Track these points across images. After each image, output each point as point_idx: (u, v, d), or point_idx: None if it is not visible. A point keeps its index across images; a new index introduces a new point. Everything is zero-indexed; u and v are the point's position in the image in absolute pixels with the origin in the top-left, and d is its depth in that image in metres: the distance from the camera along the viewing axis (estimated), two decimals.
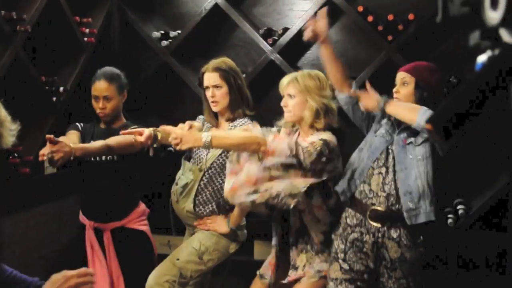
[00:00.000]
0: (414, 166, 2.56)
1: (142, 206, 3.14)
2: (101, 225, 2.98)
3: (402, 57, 3.58)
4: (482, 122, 3.52)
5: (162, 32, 4.05)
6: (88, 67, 3.72)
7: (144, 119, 3.73)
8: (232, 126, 2.89)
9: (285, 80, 2.72)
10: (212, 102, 2.89)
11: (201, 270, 2.92)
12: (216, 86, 2.89)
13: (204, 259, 2.92)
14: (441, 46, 3.67)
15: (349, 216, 2.70)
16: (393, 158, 2.61)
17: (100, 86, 2.96)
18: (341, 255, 2.62)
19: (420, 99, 2.68)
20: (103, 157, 2.93)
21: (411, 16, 3.61)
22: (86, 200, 3.04)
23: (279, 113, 2.78)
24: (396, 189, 2.58)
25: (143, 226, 3.06)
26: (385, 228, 2.63)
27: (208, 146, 2.47)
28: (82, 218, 3.08)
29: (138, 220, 3.05)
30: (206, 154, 2.90)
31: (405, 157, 2.58)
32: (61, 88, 3.50)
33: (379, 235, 2.61)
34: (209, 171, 2.89)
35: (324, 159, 2.53)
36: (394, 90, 2.73)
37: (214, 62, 2.94)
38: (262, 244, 3.74)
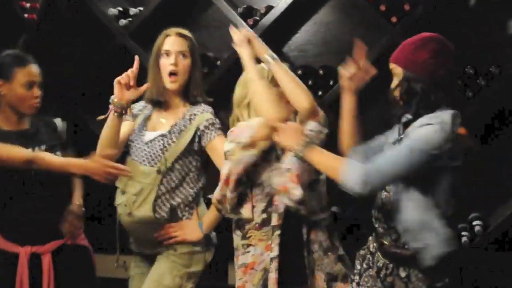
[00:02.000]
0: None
1: None
2: (40, 249, 2.62)
3: None
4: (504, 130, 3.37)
5: (120, 8, 3.86)
6: (29, 49, 3.48)
7: (99, 111, 3.27)
8: (191, 114, 2.64)
9: None
10: (171, 73, 2.62)
11: None
12: (182, 54, 2.65)
13: None
14: (455, 30, 3.39)
15: (371, 240, 2.37)
16: None
17: (35, 70, 2.67)
18: (356, 277, 2.35)
19: (409, 94, 2.12)
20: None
21: None
22: (15, 221, 2.62)
23: None
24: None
25: (85, 240, 2.79)
26: (391, 264, 2.26)
27: None
28: (8, 245, 2.62)
29: (81, 233, 2.79)
30: (163, 152, 2.59)
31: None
32: None
33: (387, 272, 2.26)
34: (171, 172, 2.61)
35: None
36: (391, 85, 2.22)
37: (178, 29, 2.70)
38: None
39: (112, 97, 2.59)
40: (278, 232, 2.38)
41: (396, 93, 2.16)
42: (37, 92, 2.62)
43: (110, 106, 2.58)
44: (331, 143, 2.48)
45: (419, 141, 2.01)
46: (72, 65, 3.83)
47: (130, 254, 2.86)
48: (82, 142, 3.83)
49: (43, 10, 3.65)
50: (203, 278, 2.80)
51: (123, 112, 2.57)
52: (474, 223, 3.31)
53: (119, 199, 2.66)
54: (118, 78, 2.56)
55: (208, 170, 2.74)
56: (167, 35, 2.66)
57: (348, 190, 2.06)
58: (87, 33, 3.90)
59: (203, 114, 2.62)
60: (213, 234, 2.74)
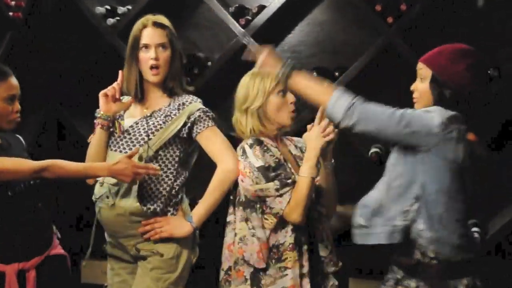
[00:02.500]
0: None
1: None
2: (26, 265, 2.54)
3: (404, 44, 3.33)
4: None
5: (108, 7, 3.80)
6: (13, 49, 3.54)
7: (84, 113, 3.38)
8: (180, 103, 2.55)
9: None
10: (153, 67, 2.53)
11: None
12: (161, 46, 2.55)
13: None
14: (455, 29, 3.41)
15: None
16: None
17: (15, 83, 2.56)
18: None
19: (439, 99, 2.16)
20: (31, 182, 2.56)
21: None
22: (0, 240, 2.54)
23: None
24: None
25: (60, 249, 2.69)
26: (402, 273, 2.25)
27: None
28: None
29: (57, 243, 2.69)
30: (147, 140, 2.48)
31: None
32: None
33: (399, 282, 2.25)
34: (154, 160, 2.50)
35: None
36: (412, 87, 2.26)
37: (155, 17, 2.59)
38: None
39: (98, 110, 2.51)
40: (306, 247, 2.35)
41: (416, 94, 2.21)
42: (17, 106, 2.53)
43: (96, 121, 2.51)
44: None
45: (412, 114, 2.09)
46: (58, 64, 3.77)
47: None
48: (68, 144, 3.82)
49: (28, 8, 3.59)
50: (195, 284, 2.69)
51: (110, 125, 2.50)
52: (472, 229, 3.25)
53: (99, 192, 2.52)
54: (104, 91, 2.49)
55: (194, 167, 2.64)
56: (144, 26, 2.55)
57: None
58: (73, 32, 3.84)
59: (195, 103, 2.54)
60: (196, 232, 2.62)
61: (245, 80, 2.46)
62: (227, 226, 2.45)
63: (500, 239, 3.25)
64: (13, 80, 2.52)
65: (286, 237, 2.34)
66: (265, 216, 2.33)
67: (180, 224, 2.48)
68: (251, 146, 2.37)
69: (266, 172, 2.31)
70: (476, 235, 3.15)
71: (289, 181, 2.33)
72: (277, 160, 2.36)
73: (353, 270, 3.47)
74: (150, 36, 2.53)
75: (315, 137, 2.32)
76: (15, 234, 2.51)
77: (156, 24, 2.55)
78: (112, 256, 2.61)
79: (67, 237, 3.11)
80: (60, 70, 3.77)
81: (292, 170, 2.40)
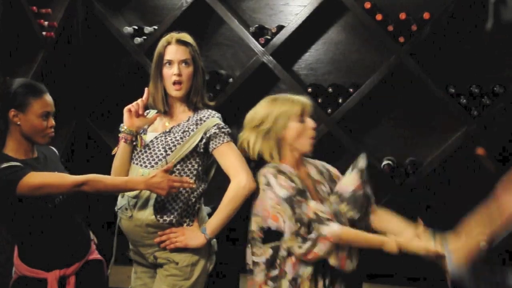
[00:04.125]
0: None
1: None
2: (67, 271, 2.55)
3: (415, 63, 3.38)
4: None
5: (135, 27, 3.82)
6: (46, 66, 3.53)
7: (112, 126, 3.38)
8: (198, 118, 2.55)
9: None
10: (176, 82, 2.54)
11: None
12: (184, 62, 2.56)
13: None
14: (461, 48, 3.44)
15: None
16: None
17: (50, 100, 2.54)
18: None
19: None
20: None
21: (426, 15, 3.39)
22: (41, 248, 2.53)
23: None
24: None
25: (97, 254, 2.69)
26: None
27: None
28: (34, 272, 2.53)
29: (94, 248, 2.70)
30: (165, 155, 2.51)
31: None
32: None
33: None
34: (173, 174, 2.50)
35: None
36: None
37: (179, 35, 2.61)
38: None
39: (122, 125, 2.55)
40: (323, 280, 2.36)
41: None
42: (51, 122, 2.52)
43: (120, 135, 2.55)
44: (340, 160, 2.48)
45: None
46: (88, 80, 3.82)
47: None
48: (96, 156, 3.78)
49: (61, 28, 3.61)
50: None
51: (133, 139, 2.53)
52: None
53: (120, 203, 2.57)
54: (128, 106, 2.52)
55: (210, 179, 2.67)
56: (168, 43, 2.56)
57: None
58: (103, 50, 3.88)
59: (212, 118, 2.53)
60: (214, 241, 2.64)
61: (265, 103, 2.41)
62: (255, 266, 2.38)
63: (503, 250, 3.19)
64: (48, 98, 2.51)
65: (307, 268, 2.31)
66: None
67: (195, 235, 2.50)
68: (274, 175, 2.31)
69: (292, 202, 2.26)
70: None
71: (311, 236, 2.24)
72: (299, 189, 2.30)
73: (366, 275, 3.47)
74: (174, 52, 2.53)
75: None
76: (55, 243, 2.51)
77: (180, 42, 2.55)
78: (135, 261, 2.66)
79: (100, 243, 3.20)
80: (90, 86, 3.81)
81: (309, 196, 2.33)
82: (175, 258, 2.51)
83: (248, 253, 2.42)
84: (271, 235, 2.31)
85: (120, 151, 2.55)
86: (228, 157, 2.49)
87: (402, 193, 3.42)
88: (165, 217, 2.50)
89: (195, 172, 2.52)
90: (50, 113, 2.52)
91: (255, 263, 2.37)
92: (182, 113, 2.57)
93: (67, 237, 2.53)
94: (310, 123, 2.39)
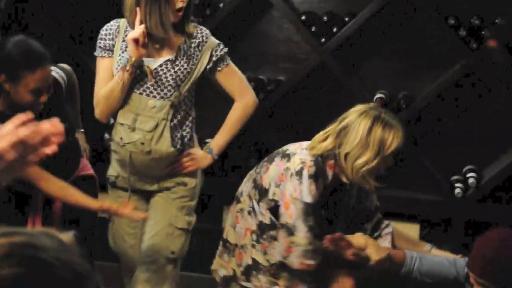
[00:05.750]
0: None
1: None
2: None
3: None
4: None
5: None
6: None
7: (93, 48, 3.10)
8: (198, 40, 2.52)
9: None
10: (179, 9, 2.44)
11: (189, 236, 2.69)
12: None
13: (191, 224, 2.65)
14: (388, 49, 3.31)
15: None
16: None
17: (46, 74, 2.33)
18: None
19: None
20: None
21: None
22: None
23: None
24: None
25: (91, 170, 2.70)
26: None
27: None
28: (20, 187, 2.47)
29: (86, 163, 2.70)
30: (175, 82, 2.48)
31: None
32: None
33: None
34: (182, 104, 2.53)
35: None
36: None
37: None
38: None
39: (128, 57, 2.42)
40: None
41: None
42: (44, 98, 2.33)
43: (127, 67, 2.41)
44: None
45: None
46: (71, 2, 3.62)
47: None
48: (80, 82, 3.71)
49: None
50: (198, 222, 2.77)
51: (137, 70, 2.45)
52: (468, 175, 3.27)
53: (130, 137, 2.49)
54: (135, 35, 2.37)
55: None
56: None
57: None
58: None
59: (211, 38, 2.53)
60: None
61: (366, 125, 2.16)
62: (252, 213, 2.35)
63: (496, 185, 3.25)
64: (44, 71, 2.28)
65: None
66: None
67: (203, 156, 2.60)
68: (310, 176, 2.19)
69: (313, 210, 2.21)
70: (472, 180, 3.23)
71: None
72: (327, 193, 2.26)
73: None
74: None
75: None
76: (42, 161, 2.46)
77: None
78: (121, 187, 2.63)
79: None
80: (73, 6, 3.61)
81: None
82: (184, 180, 2.58)
83: (251, 194, 2.36)
84: (275, 214, 2.27)
85: (124, 83, 2.44)
86: (234, 78, 2.56)
87: None
88: (179, 146, 2.53)
89: (193, 93, 2.58)
90: (44, 87, 2.31)
91: (253, 211, 2.34)
92: (174, 37, 2.48)
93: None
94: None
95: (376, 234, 2.39)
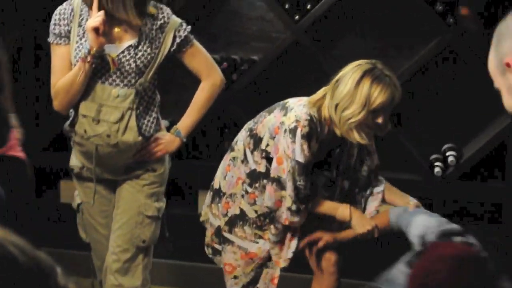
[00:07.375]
0: None
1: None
2: None
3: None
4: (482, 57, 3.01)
5: None
6: None
7: None
8: (160, 21, 2.39)
9: None
10: None
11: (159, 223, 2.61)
12: None
13: (161, 210, 2.57)
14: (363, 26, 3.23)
15: None
16: None
17: None
18: None
19: None
20: None
21: None
22: None
23: None
24: None
25: (21, 152, 2.53)
26: None
27: None
28: None
29: (15, 143, 2.51)
30: (139, 71, 2.37)
31: None
32: None
33: None
34: (147, 90, 2.43)
35: None
36: None
37: None
38: None
39: (88, 46, 2.28)
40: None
41: None
42: None
43: (87, 58, 2.28)
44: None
45: None
46: None
47: None
48: (44, 66, 3.61)
49: None
50: (172, 207, 2.74)
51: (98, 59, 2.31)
52: (447, 154, 3.23)
53: (94, 130, 2.38)
54: (94, 24, 2.23)
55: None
56: None
57: None
58: None
59: (172, 17, 2.41)
60: None
61: (355, 77, 2.20)
62: (245, 161, 2.38)
63: (475, 163, 3.23)
64: None
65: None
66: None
67: (170, 140, 2.50)
68: (303, 136, 2.20)
69: (305, 170, 2.23)
70: (451, 158, 3.21)
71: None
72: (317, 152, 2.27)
73: None
74: None
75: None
76: None
77: None
78: (86, 177, 2.54)
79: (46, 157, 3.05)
80: None
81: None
82: (153, 166, 2.51)
83: (245, 143, 2.38)
84: (268, 161, 2.31)
85: (85, 75, 2.31)
86: (200, 57, 2.48)
87: None
88: (146, 134, 2.44)
89: (155, 80, 2.46)
90: None
91: (245, 159, 2.36)
92: (135, 19, 2.32)
93: None
94: (381, 118, 2.27)
95: (368, 192, 2.45)
